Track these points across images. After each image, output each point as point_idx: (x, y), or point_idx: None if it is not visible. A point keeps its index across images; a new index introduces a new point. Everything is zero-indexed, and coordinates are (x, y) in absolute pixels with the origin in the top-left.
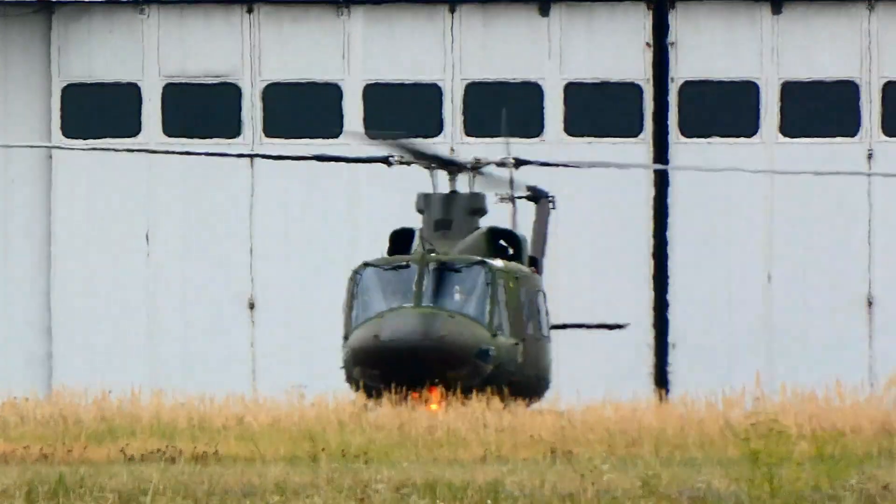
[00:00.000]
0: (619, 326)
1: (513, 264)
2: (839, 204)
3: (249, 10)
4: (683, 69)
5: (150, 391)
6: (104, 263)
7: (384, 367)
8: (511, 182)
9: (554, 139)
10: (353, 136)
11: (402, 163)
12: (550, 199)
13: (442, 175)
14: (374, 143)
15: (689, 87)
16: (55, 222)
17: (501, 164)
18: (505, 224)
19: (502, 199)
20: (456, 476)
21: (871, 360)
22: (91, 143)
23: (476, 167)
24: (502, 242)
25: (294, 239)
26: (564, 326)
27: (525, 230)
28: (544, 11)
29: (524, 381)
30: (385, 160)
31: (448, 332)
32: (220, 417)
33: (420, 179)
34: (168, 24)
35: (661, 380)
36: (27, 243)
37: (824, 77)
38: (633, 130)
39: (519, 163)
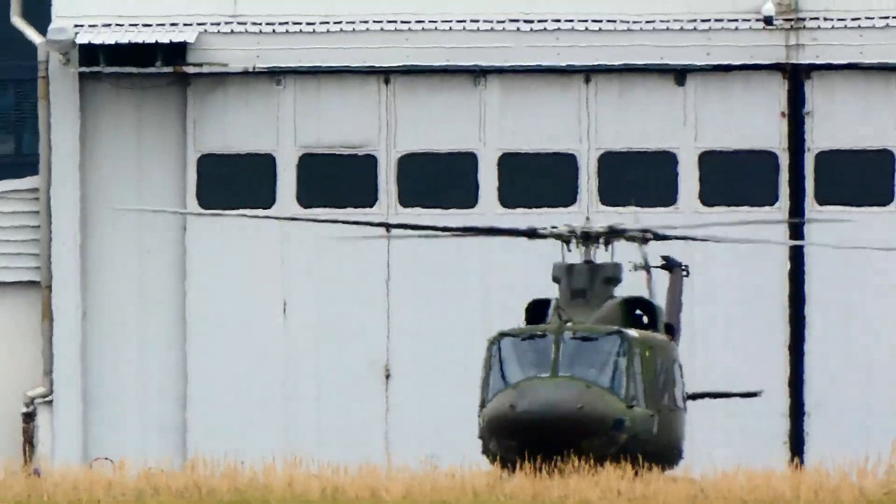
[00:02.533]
0: (752, 394)
1: (649, 334)
2: None
3: (386, 81)
4: (819, 138)
5: (284, 460)
6: (239, 332)
7: (519, 438)
8: (645, 252)
9: (688, 208)
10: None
11: (543, 236)
12: (684, 267)
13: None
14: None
15: (824, 156)
16: (190, 292)
17: (639, 239)
18: (638, 293)
19: (636, 268)
20: None
21: None
22: (228, 213)
23: (611, 237)
24: (638, 311)
25: (430, 308)
26: (699, 396)
27: (660, 299)
28: (680, 81)
29: (658, 451)
30: (527, 234)
31: (584, 403)
32: (353, 488)
33: (553, 248)
34: (304, 95)
35: (797, 448)
36: (163, 313)
37: None
38: (769, 199)
39: (655, 236)
